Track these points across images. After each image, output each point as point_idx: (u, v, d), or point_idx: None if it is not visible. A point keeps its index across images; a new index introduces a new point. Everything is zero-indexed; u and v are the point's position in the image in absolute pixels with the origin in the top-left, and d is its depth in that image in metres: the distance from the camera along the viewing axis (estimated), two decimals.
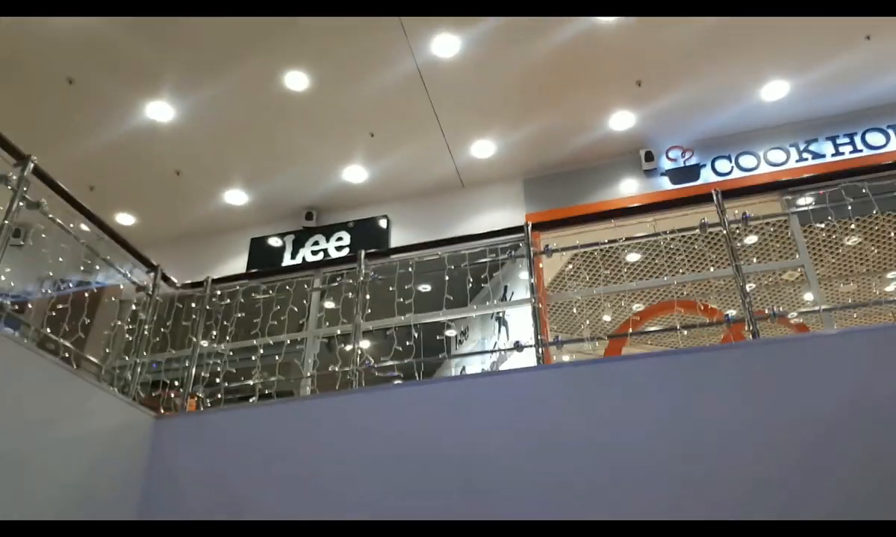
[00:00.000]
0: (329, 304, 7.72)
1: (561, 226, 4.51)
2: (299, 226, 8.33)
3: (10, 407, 3.08)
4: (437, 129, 7.40)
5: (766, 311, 3.95)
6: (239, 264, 8.24)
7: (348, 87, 6.83)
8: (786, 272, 8.37)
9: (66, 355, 3.60)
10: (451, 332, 8.52)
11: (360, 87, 6.83)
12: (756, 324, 3.75)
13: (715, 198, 4.31)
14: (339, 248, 8.11)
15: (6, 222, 3.23)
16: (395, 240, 8.16)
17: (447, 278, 4.54)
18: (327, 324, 6.35)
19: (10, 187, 3.28)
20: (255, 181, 8.05)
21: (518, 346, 4.01)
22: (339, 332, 4.91)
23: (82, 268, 6.10)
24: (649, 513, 3.25)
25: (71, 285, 6.54)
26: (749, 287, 4.45)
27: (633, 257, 8.54)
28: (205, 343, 4.46)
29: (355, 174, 8.04)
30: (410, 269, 4.28)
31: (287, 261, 8.20)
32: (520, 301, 6.70)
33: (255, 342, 4.74)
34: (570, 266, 7.95)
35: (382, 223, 8.24)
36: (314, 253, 8.13)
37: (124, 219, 8.28)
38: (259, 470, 3.77)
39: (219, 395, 4.24)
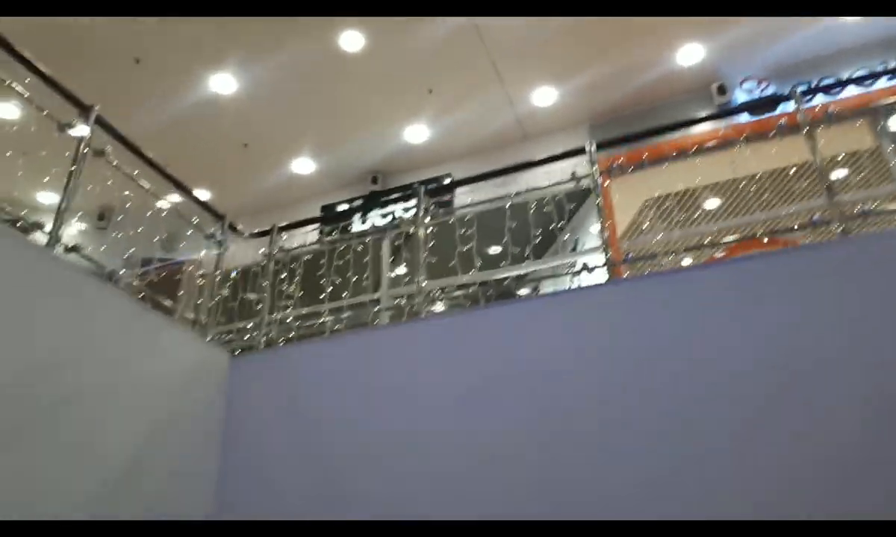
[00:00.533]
0: (400, 270, 7.76)
1: (625, 144, 4.33)
2: (366, 191, 8.40)
3: (92, 342, 3.21)
4: (495, 78, 7.27)
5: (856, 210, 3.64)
6: (311, 233, 8.38)
7: (403, 43, 6.78)
8: (879, 202, 7.78)
9: (142, 295, 3.73)
10: (523, 291, 8.39)
11: (414, 42, 6.76)
12: (846, 223, 3.47)
13: (794, 99, 4.02)
14: (405, 210, 8.11)
15: (74, 168, 3.35)
16: (459, 200, 8.09)
17: (511, 226, 4.41)
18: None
19: (73, 134, 3.40)
20: (320, 148, 8.16)
21: (587, 268, 3.88)
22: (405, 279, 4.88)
23: (163, 240, 6.35)
24: (744, 428, 3.06)
25: (155, 261, 6.84)
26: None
27: (712, 203, 8.15)
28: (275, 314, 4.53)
29: (416, 134, 8.02)
30: (470, 200, 4.21)
31: (357, 226, 8.28)
32: (592, 249, 6.50)
33: (324, 306, 4.78)
34: (644, 215, 7.67)
35: (446, 182, 8.18)
36: (383, 216, 8.17)
37: (199, 194, 8.55)
38: (336, 402, 3.81)
39: (291, 334, 4.32)
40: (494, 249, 6.00)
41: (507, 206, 4.32)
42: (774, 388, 3.07)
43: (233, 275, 4.64)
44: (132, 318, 3.45)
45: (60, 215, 3.24)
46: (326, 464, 3.76)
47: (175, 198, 4.39)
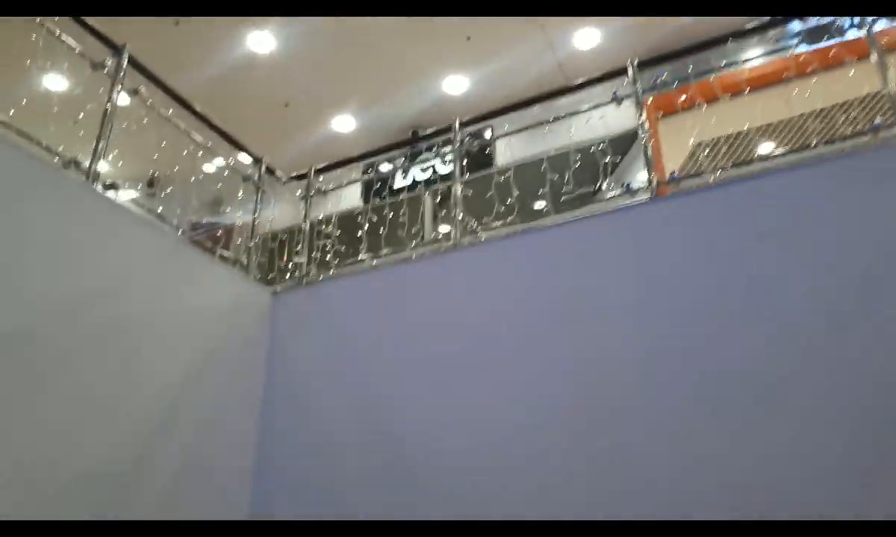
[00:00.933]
0: (444, 228, 7.69)
1: (670, 60, 4.13)
2: (406, 147, 8.33)
3: (132, 275, 3.24)
4: (534, 20, 7.04)
5: None
6: (353, 192, 8.38)
7: None
8: None
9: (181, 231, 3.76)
10: None
11: None
12: None
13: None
14: (445, 163, 8.02)
15: (109, 106, 3.38)
16: (501, 151, 7.94)
17: (551, 152, 4.30)
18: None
19: (106, 72, 3.42)
20: (360, 104, 8.13)
21: (629, 189, 3.72)
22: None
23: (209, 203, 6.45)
24: (792, 352, 2.88)
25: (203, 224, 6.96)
26: None
27: (766, 148, 7.77)
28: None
29: (455, 85, 7.89)
30: (509, 152, 4.10)
31: (399, 182, 8.25)
32: (638, 188, 6.21)
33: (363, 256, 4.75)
34: (693, 159, 7.37)
35: (486, 134, 8.03)
36: (423, 170, 8.11)
37: (242, 156, 8.66)
38: (378, 335, 3.79)
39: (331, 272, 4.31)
40: (539, 204, 5.87)
41: (545, 130, 4.20)
42: (839, 305, 2.87)
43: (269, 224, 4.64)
44: (173, 253, 3.49)
45: (97, 152, 3.28)
46: (369, 401, 3.74)
47: (214, 145, 4.40)
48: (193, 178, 4.29)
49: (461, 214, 3.93)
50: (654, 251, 3.35)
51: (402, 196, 5.12)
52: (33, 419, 2.66)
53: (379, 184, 5.15)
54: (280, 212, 6.34)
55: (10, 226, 2.72)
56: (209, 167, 7.40)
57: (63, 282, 2.88)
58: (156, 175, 8.05)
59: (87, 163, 3.26)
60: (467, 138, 4.27)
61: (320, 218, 4.72)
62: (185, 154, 3.84)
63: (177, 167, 4.39)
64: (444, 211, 7.14)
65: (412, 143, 6.64)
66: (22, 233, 2.77)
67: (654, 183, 3.62)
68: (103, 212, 3.19)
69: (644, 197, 3.59)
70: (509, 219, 3.96)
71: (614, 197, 3.85)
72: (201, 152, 4.04)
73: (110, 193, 3.39)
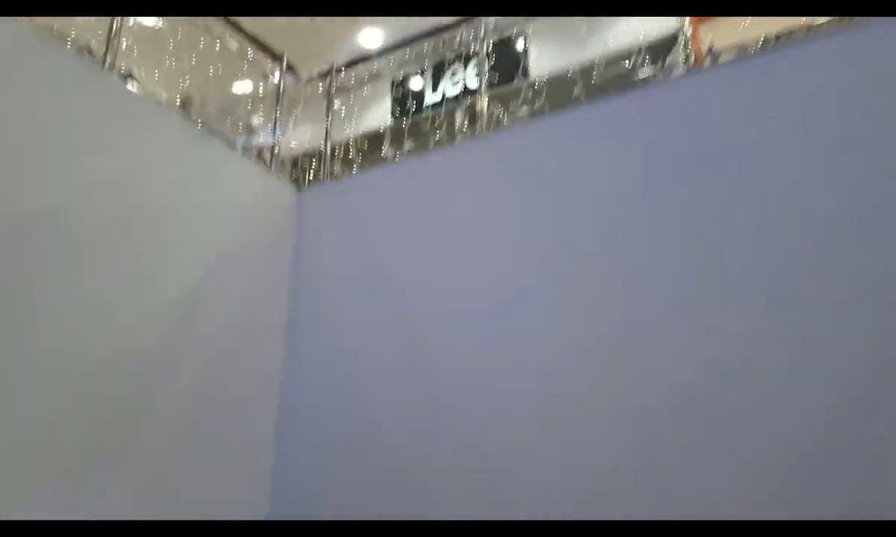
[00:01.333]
0: None
1: None
2: (435, 61, 8.10)
3: (146, 164, 3.17)
4: None
5: None
6: (381, 111, 8.23)
7: None
8: None
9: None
10: None
11: None
12: None
13: None
14: (477, 76, 7.77)
15: None
16: (534, 62, 7.64)
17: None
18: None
19: None
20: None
21: (664, 68, 3.50)
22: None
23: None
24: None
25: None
26: None
27: None
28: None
29: None
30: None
31: (429, 98, 8.05)
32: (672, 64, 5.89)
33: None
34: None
35: (519, 45, 7.72)
36: (454, 84, 7.89)
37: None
38: (406, 230, 3.68)
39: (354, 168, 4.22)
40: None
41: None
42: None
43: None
44: (193, 143, 3.42)
45: (112, 38, 3.21)
46: (398, 302, 3.67)
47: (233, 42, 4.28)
48: (212, 72, 4.19)
49: (486, 100, 3.78)
50: (691, 127, 3.15)
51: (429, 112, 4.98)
52: (42, 309, 2.60)
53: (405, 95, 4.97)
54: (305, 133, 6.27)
55: (22, 109, 2.66)
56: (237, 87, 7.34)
57: (77, 169, 2.80)
58: (189, 96, 8.00)
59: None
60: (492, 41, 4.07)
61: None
62: (201, 46, 3.73)
63: (194, 60, 4.29)
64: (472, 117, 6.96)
65: (438, 33, 6.41)
66: (32, 116, 2.71)
67: (691, 57, 3.39)
68: (118, 100, 3.12)
69: (680, 72, 3.38)
70: (537, 104, 3.78)
71: (650, 76, 3.63)
72: (219, 45, 3.92)
73: (128, 85, 3.33)
